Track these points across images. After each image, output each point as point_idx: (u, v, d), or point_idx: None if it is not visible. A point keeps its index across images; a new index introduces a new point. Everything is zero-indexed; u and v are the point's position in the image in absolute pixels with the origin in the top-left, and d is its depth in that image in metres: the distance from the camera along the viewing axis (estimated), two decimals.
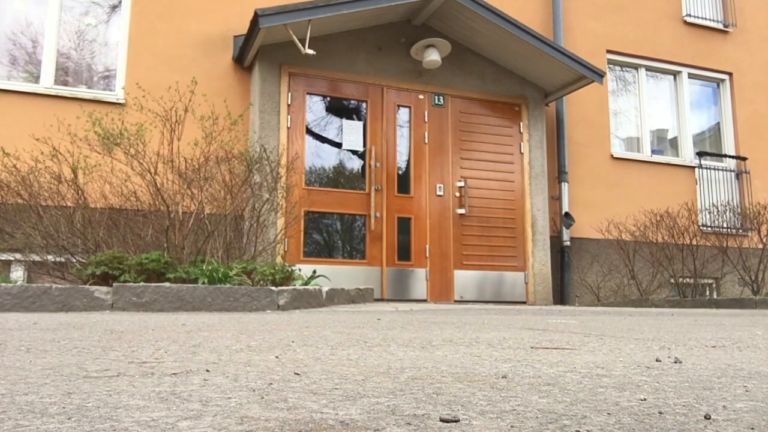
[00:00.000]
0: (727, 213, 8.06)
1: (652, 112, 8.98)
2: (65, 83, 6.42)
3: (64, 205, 4.80)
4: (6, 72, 6.31)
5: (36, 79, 6.33)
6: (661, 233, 7.38)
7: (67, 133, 5.10)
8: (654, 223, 7.45)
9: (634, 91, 8.88)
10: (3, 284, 3.26)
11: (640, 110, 8.82)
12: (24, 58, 6.48)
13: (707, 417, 0.55)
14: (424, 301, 6.67)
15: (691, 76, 9.12)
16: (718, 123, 9.35)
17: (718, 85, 9.37)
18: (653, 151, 8.82)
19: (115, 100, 6.28)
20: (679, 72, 9.02)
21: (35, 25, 6.48)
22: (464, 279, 6.79)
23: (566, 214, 7.63)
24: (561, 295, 7.58)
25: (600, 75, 7.09)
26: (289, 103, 6.56)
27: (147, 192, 4.90)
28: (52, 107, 5.98)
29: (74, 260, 4.59)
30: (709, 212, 8.19)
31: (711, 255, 7.41)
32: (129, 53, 6.49)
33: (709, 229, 7.86)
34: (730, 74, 9.23)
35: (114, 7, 6.78)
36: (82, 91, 6.34)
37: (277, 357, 0.96)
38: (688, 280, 7.31)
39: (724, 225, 7.96)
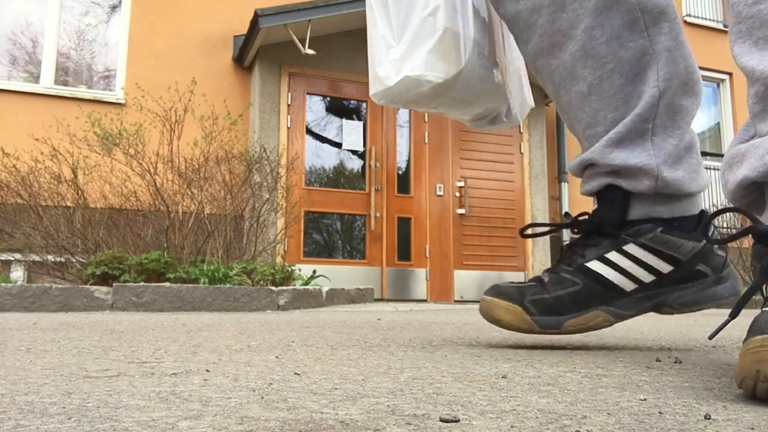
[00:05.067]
0: (727, 213, 8.07)
1: None
2: (65, 83, 6.42)
3: (64, 205, 4.80)
4: (6, 72, 6.32)
5: (36, 79, 6.34)
6: None
7: (66, 133, 5.10)
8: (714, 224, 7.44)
9: None
10: (3, 284, 3.26)
11: None
12: (24, 58, 6.48)
13: (707, 417, 0.55)
14: (424, 301, 6.67)
15: None
16: (718, 123, 9.35)
17: (718, 85, 9.37)
18: None
19: (114, 100, 6.28)
20: None
21: (35, 25, 6.49)
22: (464, 279, 6.80)
23: (566, 214, 7.60)
24: None
25: None
26: (289, 103, 6.56)
27: (147, 192, 4.90)
28: (52, 107, 5.98)
29: (74, 260, 4.59)
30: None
31: None
32: (129, 53, 6.50)
33: None
34: (730, 74, 9.24)
35: (114, 7, 6.78)
36: (82, 91, 6.34)
37: (277, 357, 0.96)
38: None
39: (725, 225, 7.96)
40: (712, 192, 8.72)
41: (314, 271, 5.22)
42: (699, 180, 1.18)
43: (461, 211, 6.94)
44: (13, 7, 6.49)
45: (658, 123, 1.13)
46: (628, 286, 1.14)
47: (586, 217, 1.23)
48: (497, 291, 1.20)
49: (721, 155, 9.05)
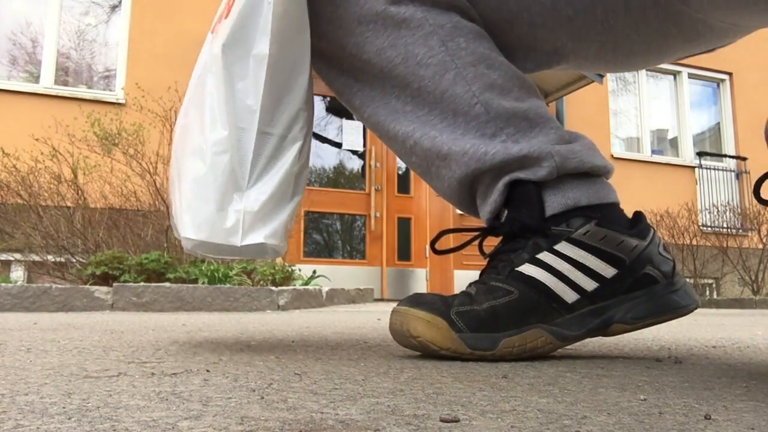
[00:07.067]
0: (727, 213, 8.07)
1: (652, 112, 8.98)
2: (65, 83, 6.42)
3: (64, 205, 4.81)
4: (6, 72, 6.31)
5: (36, 79, 6.34)
6: (661, 233, 7.39)
7: (66, 133, 5.10)
8: (654, 223, 7.45)
9: (634, 91, 8.89)
10: (3, 284, 3.26)
11: (640, 110, 8.82)
12: (24, 58, 6.48)
13: (707, 417, 0.55)
14: None
15: (691, 76, 9.12)
16: (718, 123, 9.35)
17: (718, 85, 9.37)
18: (653, 151, 8.82)
19: (114, 100, 6.28)
20: (679, 72, 9.02)
21: (35, 25, 6.49)
22: (464, 279, 6.79)
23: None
24: None
25: (600, 75, 7.09)
26: None
27: (147, 192, 4.91)
28: (52, 107, 5.98)
29: (74, 260, 4.59)
30: (709, 212, 8.19)
31: (711, 255, 7.41)
32: (129, 53, 6.50)
33: (709, 229, 7.86)
34: (730, 74, 9.24)
35: (114, 7, 6.78)
36: (82, 91, 6.34)
37: (277, 357, 0.96)
38: (688, 280, 7.31)
39: (724, 225, 7.96)
40: (715, 191, 8.72)
41: (314, 271, 5.22)
42: (601, 157, 1.04)
43: (461, 211, 6.94)
44: (13, 7, 6.49)
45: (511, 131, 1.02)
46: (569, 296, 0.97)
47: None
48: (415, 300, 0.97)
49: (722, 155, 9.05)
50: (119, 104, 6.24)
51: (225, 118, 1.00)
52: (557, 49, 1.11)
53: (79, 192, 4.84)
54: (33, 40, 6.48)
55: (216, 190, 0.98)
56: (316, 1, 1.07)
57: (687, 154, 8.85)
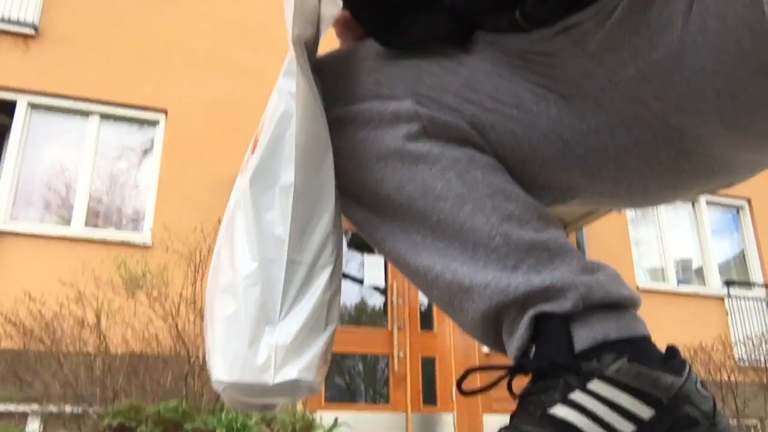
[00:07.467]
0: (764, 345, 7.77)
1: (674, 241, 8.95)
2: (95, 225, 6.59)
3: (86, 351, 4.77)
4: (39, 215, 6.52)
5: (67, 222, 6.52)
6: (696, 369, 7.10)
7: (92, 276, 5.16)
8: (687, 359, 7.18)
9: (654, 220, 8.91)
10: None
11: (661, 239, 8.80)
12: (57, 202, 6.71)
13: None
14: None
15: (709, 203, 9.14)
16: (743, 250, 9.26)
17: (738, 212, 9.38)
18: (679, 281, 8.69)
19: (142, 242, 6.40)
20: (696, 200, 9.07)
21: (70, 170, 6.77)
22: (494, 424, 6.48)
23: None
24: None
25: None
26: None
27: (168, 335, 4.88)
28: (81, 251, 6.10)
29: (91, 411, 4.49)
30: (744, 345, 7.90)
31: (752, 392, 7.05)
32: (158, 195, 6.70)
33: (747, 363, 7.55)
34: (748, 200, 9.26)
35: (146, 151, 7.09)
36: (110, 234, 6.48)
37: None
38: (730, 421, 6.92)
39: (763, 358, 7.65)
40: (747, 322, 8.46)
41: (336, 419, 5.02)
42: (627, 287, 0.96)
43: (487, 347, 6.77)
44: (50, 154, 6.82)
45: (533, 262, 0.97)
46: None
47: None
48: None
49: (750, 283, 8.87)
50: (146, 246, 6.35)
51: (255, 249, 0.98)
52: (571, 186, 1.13)
53: (101, 337, 4.83)
54: (67, 185, 6.74)
55: (247, 325, 0.94)
56: (335, 140, 1.11)
57: (714, 284, 8.68)
